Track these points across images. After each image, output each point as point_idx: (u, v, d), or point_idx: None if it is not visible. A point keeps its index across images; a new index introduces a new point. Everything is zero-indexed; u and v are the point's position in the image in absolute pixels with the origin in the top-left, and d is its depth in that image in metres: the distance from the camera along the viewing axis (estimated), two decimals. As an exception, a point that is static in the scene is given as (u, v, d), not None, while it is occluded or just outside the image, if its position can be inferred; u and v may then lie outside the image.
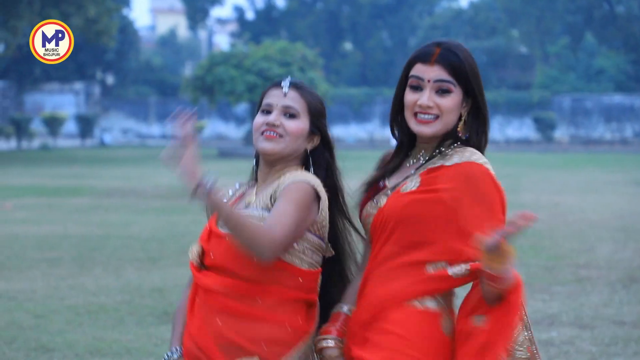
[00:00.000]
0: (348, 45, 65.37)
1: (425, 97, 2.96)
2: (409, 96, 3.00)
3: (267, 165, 3.11)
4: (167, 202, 18.51)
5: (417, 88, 2.99)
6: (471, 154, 2.97)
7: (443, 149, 3.02)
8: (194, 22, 67.50)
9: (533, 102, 53.61)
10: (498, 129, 53.11)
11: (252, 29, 64.01)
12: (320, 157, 3.15)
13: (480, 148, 3.04)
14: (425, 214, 2.93)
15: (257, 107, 3.14)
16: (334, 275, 3.15)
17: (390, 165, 3.13)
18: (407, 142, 3.11)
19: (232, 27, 72.64)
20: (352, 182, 3.28)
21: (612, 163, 34.88)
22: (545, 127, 52.48)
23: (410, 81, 3.01)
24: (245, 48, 43.86)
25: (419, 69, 2.99)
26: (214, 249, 3.04)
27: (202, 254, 3.07)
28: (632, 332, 7.68)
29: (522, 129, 53.96)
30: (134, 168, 29.85)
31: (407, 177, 3.02)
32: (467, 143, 3.04)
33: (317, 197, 3.03)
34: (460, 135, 3.03)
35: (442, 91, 2.96)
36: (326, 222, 3.08)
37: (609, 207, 17.88)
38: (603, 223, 15.35)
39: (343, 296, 3.12)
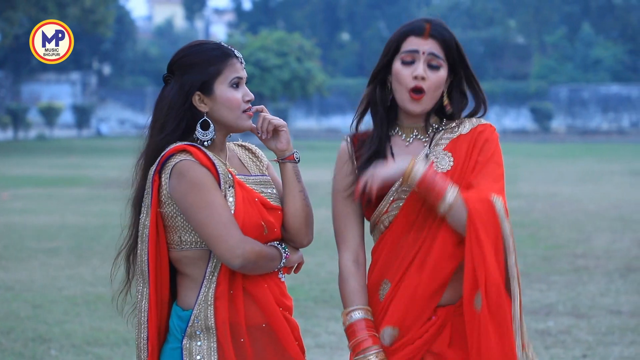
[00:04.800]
0: (345, 36, 65.32)
1: (421, 68, 3.01)
2: (404, 71, 3.04)
3: (224, 136, 3.14)
4: (165, 193, 18.51)
5: (411, 63, 3.04)
6: (477, 119, 3.12)
7: (434, 125, 3.11)
8: (191, 12, 67.48)
9: (530, 92, 53.63)
10: (495, 119, 53.12)
11: (249, 19, 63.95)
12: None
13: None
14: (465, 185, 3.03)
15: (209, 77, 3.06)
16: None
17: (378, 149, 3.12)
18: (385, 119, 3.13)
19: (229, 17, 72.58)
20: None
21: (609, 153, 34.90)
22: (542, 117, 52.51)
23: (403, 56, 3.04)
24: (242, 38, 43.83)
25: (413, 42, 3.03)
26: (277, 222, 3.10)
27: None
28: (629, 322, 7.69)
29: (519, 119, 53.99)
30: (131, 158, 29.76)
31: (427, 155, 3.06)
32: (451, 118, 3.14)
33: None
34: (447, 110, 3.11)
35: (433, 66, 3.03)
36: None
37: (606, 197, 17.90)
38: (600, 213, 15.37)
39: (350, 297, 3.10)
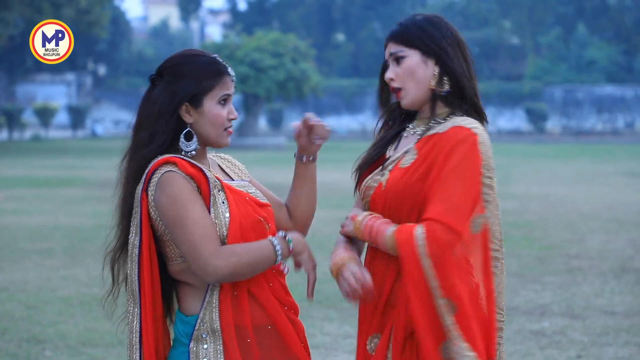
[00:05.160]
0: (340, 36, 65.31)
1: (389, 72, 3.12)
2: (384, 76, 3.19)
3: (204, 148, 3.16)
4: (159, 193, 18.50)
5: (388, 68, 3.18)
6: (462, 119, 3.04)
7: (438, 118, 3.09)
8: (186, 12, 67.41)
9: (524, 93, 53.67)
10: (490, 120, 53.09)
11: (244, 20, 63.91)
12: None
13: (473, 106, 3.13)
14: (419, 187, 2.99)
15: (201, 90, 3.10)
16: None
17: (384, 140, 3.20)
18: (400, 118, 3.21)
19: (225, 17, 72.54)
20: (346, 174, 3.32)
21: (604, 154, 34.94)
22: (536, 118, 52.55)
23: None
24: (237, 39, 43.77)
25: (385, 54, 3.17)
26: (270, 217, 3.14)
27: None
28: (623, 322, 7.70)
29: (513, 119, 54.03)
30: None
31: (406, 151, 3.08)
32: (458, 104, 3.11)
33: None
34: (436, 91, 3.09)
35: (397, 60, 3.10)
36: None
37: (600, 198, 17.92)
38: (594, 214, 15.38)
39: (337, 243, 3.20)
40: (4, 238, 12.31)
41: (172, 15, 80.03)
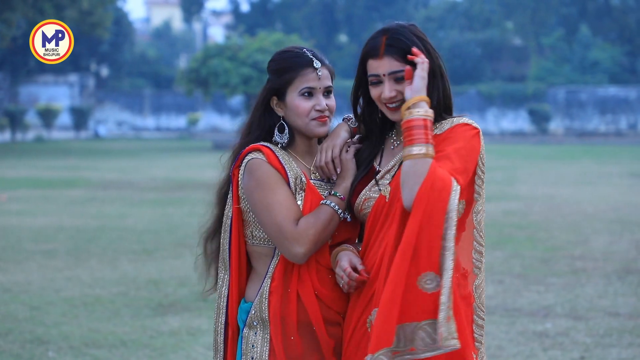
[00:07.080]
0: (343, 37, 65.32)
1: (387, 90, 3.10)
2: (373, 92, 3.15)
3: (309, 139, 3.28)
4: (163, 194, 18.51)
5: (378, 83, 3.13)
6: (460, 118, 3.10)
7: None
8: (188, 14, 67.42)
9: (528, 94, 53.63)
10: (493, 121, 53.13)
11: (247, 21, 63.94)
12: None
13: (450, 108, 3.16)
14: None
15: (283, 84, 3.21)
16: None
17: (370, 151, 3.23)
18: (380, 128, 3.25)
19: (227, 19, 72.58)
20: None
21: (607, 155, 34.92)
22: (540, 119, 52.52)
23: (370, 79, 3.16)
24: (240, 40, 43.79)
25: (372, 66, 3.13)
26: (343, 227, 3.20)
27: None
28: (627, 324, 7.70)
29: (516, 121, 54.00)
30: (129, 160, 29.84)
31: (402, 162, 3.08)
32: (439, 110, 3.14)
33: None
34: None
35: (399, 79, 3.09)
36: None
37: (604, 199, 17.90)
38: (598, 215, 15.37)
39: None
40: (7, 239, 12.32)
41: (175, 17, 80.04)
